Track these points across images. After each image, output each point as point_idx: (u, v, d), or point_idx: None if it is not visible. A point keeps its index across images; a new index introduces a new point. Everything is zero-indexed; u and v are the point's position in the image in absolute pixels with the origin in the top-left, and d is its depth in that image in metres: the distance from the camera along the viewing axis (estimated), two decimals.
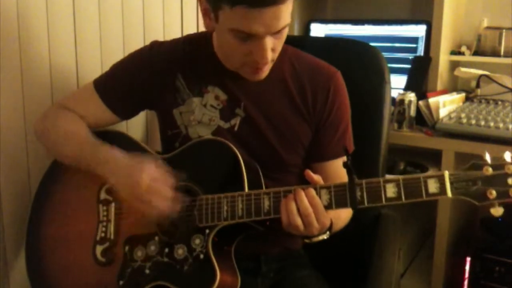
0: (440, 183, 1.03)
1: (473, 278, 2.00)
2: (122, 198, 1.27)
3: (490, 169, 1.02)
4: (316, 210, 1.11)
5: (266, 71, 1.27)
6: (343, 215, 1.31)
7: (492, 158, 1.03)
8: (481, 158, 1.04)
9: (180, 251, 1.22)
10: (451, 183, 1.03)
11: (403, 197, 1.06)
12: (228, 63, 1.32)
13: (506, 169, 1.01)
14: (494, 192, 1.00)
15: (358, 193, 1.09)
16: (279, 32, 1.17)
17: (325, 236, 1.20)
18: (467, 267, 2.00)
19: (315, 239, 1.20)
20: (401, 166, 2.03)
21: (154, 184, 1.17)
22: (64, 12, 1.52)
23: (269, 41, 1.16)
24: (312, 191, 1.12)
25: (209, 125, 1.34)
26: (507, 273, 1.93)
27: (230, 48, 1.22)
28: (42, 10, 1.46)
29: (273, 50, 1.20)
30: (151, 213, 1.20)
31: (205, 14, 1.24)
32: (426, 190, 1.04)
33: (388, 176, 1.17)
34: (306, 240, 1.21)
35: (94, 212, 1.32)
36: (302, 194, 1.12)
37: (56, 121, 1.37)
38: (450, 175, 1.03)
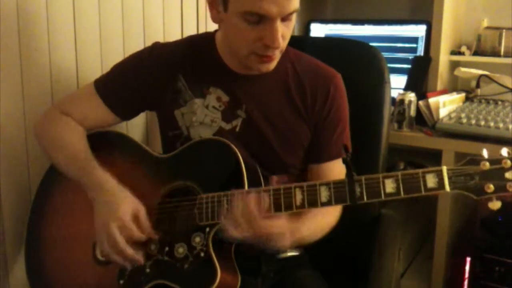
0: (438, 178, 1.04)
1: (473, 278, 1.99)
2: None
3: (487, 164, 1.02)
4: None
5: (273, 61, 1.26)
6: (313, 226, 1.28)
7: (489, 154, 1.04)
8: (479, 155, 1.04)
9: (181, 250, 1.22)
10: (449, 178, 1.04)
11: (402, 192, 1.06)
12: (231, 58, 1.32)
13: (503, 164, 1.01)
14: (492, 186, 1.01)
15: (358, 189, 1.09)
16: (288, 17, 1.17)
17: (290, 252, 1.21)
18: (467, 267, 2.00)
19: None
20: (401, 166, 2.03)
21: (116, 240, 1.20)
22: (64, 12, 1.53)
23: (279, 26, 1.16)
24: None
25: (211, 126, 1.34)
26: (507, 273, 1.93)
27: (240, 35, 1.21)
28: (42, 10, 1.46)
29: (282, 37, 1.19)
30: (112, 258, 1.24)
31: (212, 6, 1.24)
32: (425, 185, 1.05)
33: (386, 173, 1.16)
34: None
35: (93, 211, 1.32)
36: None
37: (54, 128, 1.37)
38: (448, 169, 1.04)
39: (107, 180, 1.26)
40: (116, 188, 1.25)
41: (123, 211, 1.21)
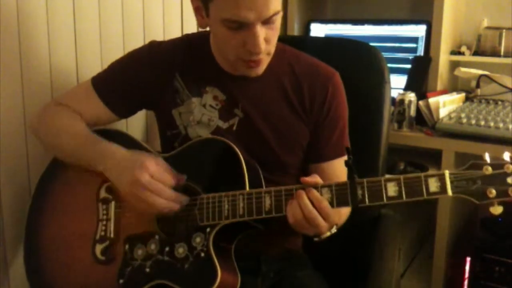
0: (441, 182, 1.04)
1: (473, 278, 2.00)
2: (122, 197, 1.27)
3: (490, 169, 1.02)
4: (324, 213, 1.11)
5: (262, 65, 1.26)
6: (343, 210, 1.29)
7: (491, 158, 1.04)
8: (481, 158, 1.05)
9: (181, 250, 1.22)
10: (452, 182, 1.04)
11: (404, 196, 1.06)
12: (223, 60, 1.33)
13: (506, 169, 1.01)
14: (493, 191, 1.01)
15: (359, 192, 1.09)
16: (270, 20, 1.16)
17: (333, 230, 1.19)
18: (467, 267, 2.00)
19: (324, 236, 1.19)
20: (401, 166, 2.02)
21: (153, 181, 1.17)
22: (64, 12, 1.52)
23: (260, 30, 1.16)
24: (316, 194, 1.12)
25: (208, 125, 1.34)
26: (507, 273, 1.93)
27: (224, 41, 1.22)
28: (42, 10, 1.46)
29: (266, 41, 1.19)
30: (149, 211, 1.21)
31: (197, 11, 1.25)
32: (427, 189, 1.05)
33: (388, 176, 1.17)
34: (316, 239, 1.20)
35: (93, 210, 1.32)
36: (305, 199, 1.12)
37: (54, 116, 1.37)
38: (451, 174, 1.04)
39: (117, 149, 1.26)
40: (127, 153, 1.24)
41: (147, 163, 1.18)
